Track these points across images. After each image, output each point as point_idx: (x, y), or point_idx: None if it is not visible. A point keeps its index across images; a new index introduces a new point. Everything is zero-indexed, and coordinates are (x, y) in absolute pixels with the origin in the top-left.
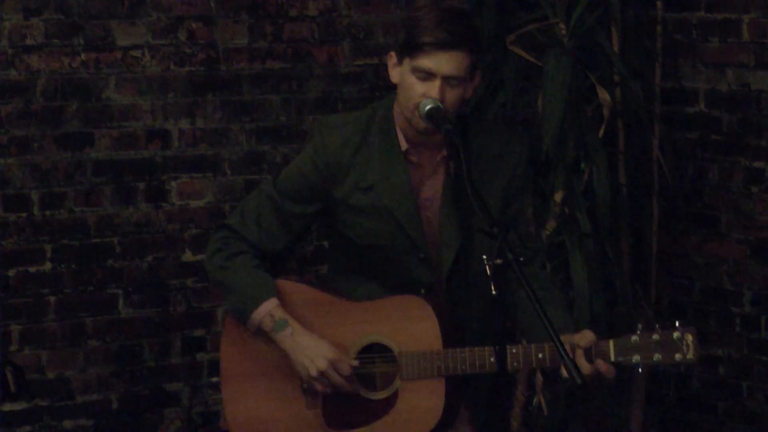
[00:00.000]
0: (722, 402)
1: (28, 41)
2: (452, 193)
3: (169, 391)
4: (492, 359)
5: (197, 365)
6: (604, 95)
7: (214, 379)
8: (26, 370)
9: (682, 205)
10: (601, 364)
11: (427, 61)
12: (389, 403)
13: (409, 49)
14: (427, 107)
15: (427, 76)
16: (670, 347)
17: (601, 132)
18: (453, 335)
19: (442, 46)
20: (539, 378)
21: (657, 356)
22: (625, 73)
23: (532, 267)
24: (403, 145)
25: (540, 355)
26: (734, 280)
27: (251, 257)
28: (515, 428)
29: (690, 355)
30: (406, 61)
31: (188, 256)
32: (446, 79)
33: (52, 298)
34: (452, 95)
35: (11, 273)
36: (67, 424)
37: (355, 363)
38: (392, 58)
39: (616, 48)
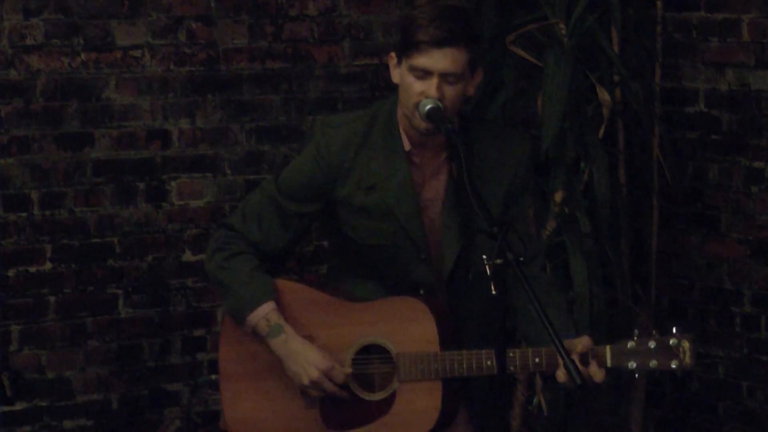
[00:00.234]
0: (722, 402)
1: (28, 41)
2: (454, 194)
3: (169, 391)
4: (489, 362)
5: (197, 365)
6: (604, 95)
7: (213, 377)
8: (26, 370)
9: (682, 205)
10: (593, 368)
11: (422, 59)
12: (387, 404)
13: (406, 48)
14: (427, 107)
15: (424, 74)
16: (666, 354)
17: (601, 132)
18: (451, 337)
19: (436, 43)
20: (539, 378)
21: (653, 362)
22: (625, 73)
23: (532, 269)
24: (406, 146)
25: (537, 359)
26: (734, 280)
27: (251, 257)
28: (515, 428)
29: (686, 362)
30: (404, 61)
31: (188, 256)
32: (443, 77)
33: (52, 298)
34: (451, 92)
35: (11, 273)
36: (67, 424)
37: (349, 371)
38: (393, 59)
39: (616, 48)
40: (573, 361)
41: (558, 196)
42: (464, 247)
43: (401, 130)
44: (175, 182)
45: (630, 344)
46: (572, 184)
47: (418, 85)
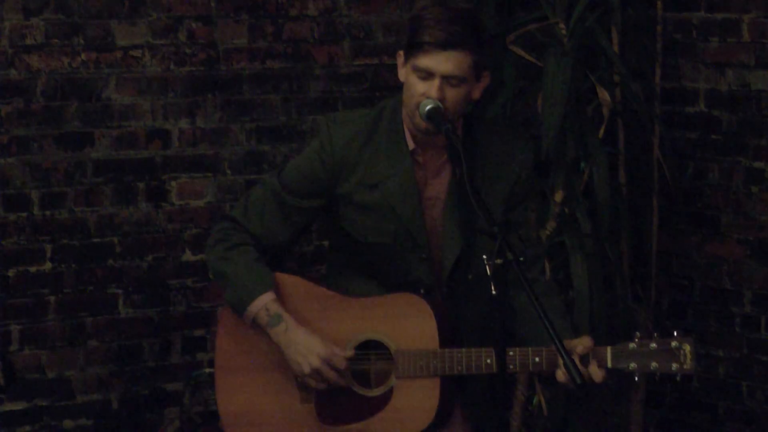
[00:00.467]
0: (722, 402)
1: (28, 41)
2: (456, 194)
3: (169, 390)
4: (489, 361)
5: (197, 365)
6: (604, 95)
7: (208, 370)
8: (26, 370)
9: (682, 205)
10: (593, 368)
11: (426, 60)
12: (383, 400)
13: (411, 48)
14: (428, 107)
15: (427, 75)
16: (667, 356)
17: (601, 132)
18: (451, 335)
19: (440, 45)
20: (538, 380)
21: (654, 365)
22: (625, 73)
23: (532, 272)
24: (410, 145)
25: (537, 359)
26: (734, 280)
27: (252, 249)
28: (515, 428)
29: (687, 366)
30: (409, 60)
31: (188, 255)
32: (446, 79)
33: (52, 298)
34: (453, 95)
35: (11, 273)
36: (67, 424)
37: (351, 354)
38: (400, 57)
39: (616, 48)
40: (573, 361)
41: (558, 196)
42: (465, 247)
43: (405, 129)
44: (176, 182)
45: (631, 346)
46: (572, 184)
47: (420, 86)
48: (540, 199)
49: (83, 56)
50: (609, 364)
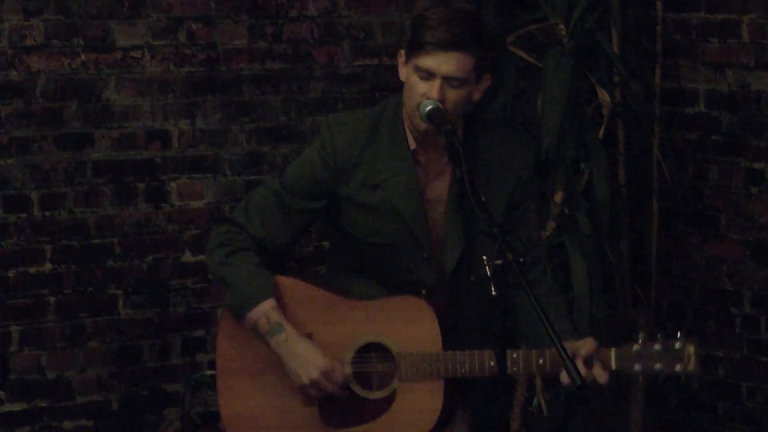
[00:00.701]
0: (722, 402)
1: (28, 42)
2: (458, 194)
3: (168, 391)
4: (492, 363)
5: (197, 366)
6: (603, 96)
7: (208, 372)
8: (26, 370)
9: (682, 205)
10: (597, 370)
11: (427, 61)
12: (386, 403)
13: (413, 47)
14: (428, 108)
15: (428, 75)
16: (671, 357)
17: (601, 132)
18: (453, 337)
19: (442, 46)
20: (539, 379)
21: (658, 366)
22: (625, 73)
23: (534, 273)
24: (412, 144)
25: (541, 361)
26: (734, 280)
27: (253, 254)
28: (515, 429)
29: (691, 367)
30: (411, 60)
31: (188, 256)
32: (447, 80)
33: (52, 299)
34: (453, 96)
35: (11, 273)
36: (67, 424)
37: (348, 371)
38: (402, 57)
39: (616, 48)
40: (573, 362)
41: (558, 197)
42: (467, 248)
43: (407, 129)
44: (175, 183)
45: (635, 347)
46: (572, 184)
47: (421, 86)
48: (540, 199)
49: (83, 57)
50: (613, 366)
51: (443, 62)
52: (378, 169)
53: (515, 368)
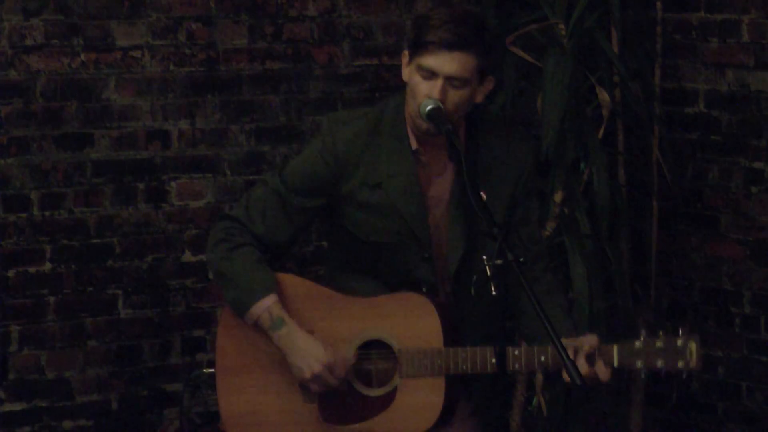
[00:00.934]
0: (722, 402)
1: (28, 41)
2: (459, 194)
3: (168, 391)
4: (493, 360)
5: (197, 365)
6: (603, 96)
7: (207, 371)
8: (26, 370)
9: (682, 205)
10: (600, 366)
11: (430, 60)
12: (387, 399)
13: (416, 47)
14: (428, 107)
15: (430, 75)
16: (673, 354)
17: (601, 132)
18: (454, 335)
19: (445, 45)
20: (539, 378)
21: (660, 362)
22: (625, 73)
23: (535, 271)
24: (413, 144)
25: (542, 358)
26: (734, 280)
27: (254, 250)
28: (514, 429)
29: (693, 363)
30: (414, 60)
31: (188, 256)
32: (449, 80)
33: (52, 299)
34: (455, 96)
35: (11, 273)
36: (67, 424)
37: (352, 360)
38: (405, 57)
39: (615, 48)
40: (573, 362)
41: (558, 197)
42: (468, 247)
43: (408, 128)
44: (175, 183)
45: (637, 344)
46: (572, 184)
47: (423, 86)
48: (540, 199)
49: (83, 57)
50: (615, 363)
51: (446, 62)
52: (379, 168)
53: (516, 365)
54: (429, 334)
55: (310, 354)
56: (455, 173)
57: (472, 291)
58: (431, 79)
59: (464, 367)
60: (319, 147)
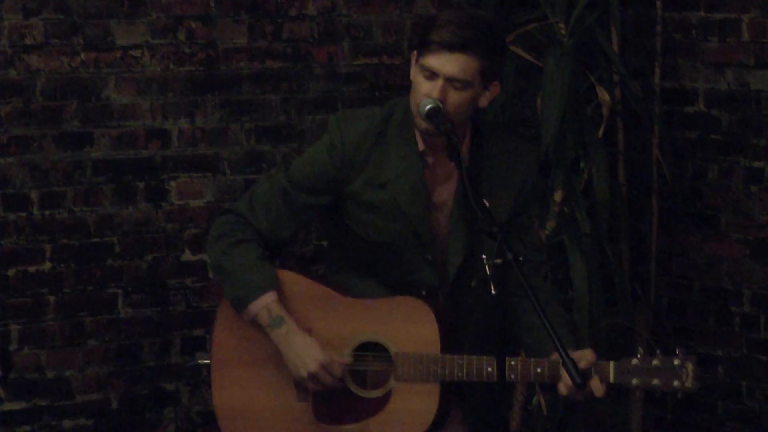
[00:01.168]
0: (721, 402)
1: (28, 41)
2: (464, 200)
3: (168, 390)
4: (489, 369)
5: (197, 365)
6: (603, 95)
7: (201, 361)
8: (25, 369)
9: (682, 204)
10: (595, 383)
11: (432, 60)
12: (381, 402)
13: (420, 46)
14: (427, 107)
15: (432, 75)
16: (669, 374)
17: (601, 131)
18: (452, 340)
19: (447, 46)
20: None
21: (656, 381)
22: (625, 72)
23: (535, 279)
24: (420, 146)
25: (539, 370)
26: (734, 279)
27: (255, 246)
28: (514, 428)
29: (689, 384)
30: (419, 59)
31: (188, 255)
32: (449, 81)
33: (52, 298)
34: (455, 98)
35: (11, 273)
36: (67, 423)
37: (348, 361)
38: (414, 56)
39: (615, 48)
40: (573, 362)
41: (558, 196)
42: (469, 252)
43: (416, 129)
44: (175, 182)
45: (634, 362)
46: (572, 183)
47: (425, 85)
48: (540, 198)
49: (82, 56)
50: (611, 379)
51: (446, 62)
52: (385, 169)
53: (512, 375)
54: (426, 339)
55: (307, 353)
56: (460, 179)
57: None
58: (432, 79)
59: (460, 374)
60: (326, 145)
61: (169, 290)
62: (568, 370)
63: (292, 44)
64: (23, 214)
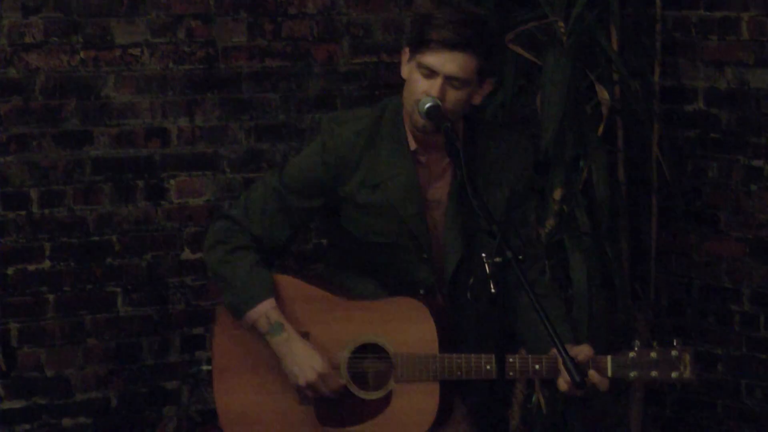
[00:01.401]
0: (721, 400)
1: (27, 39)
2: (459, 197)
3: (167, 389)
4: (489, 367)
5: (196, 363)
6: (603, 93)
7: (205, 368)
8: (25, 368)
9: (681, 203)
10: (594, 375)
11: (431, 58)
12: (382, 403)
13: (417, 45)
14: (427, 105)
15: (430, 73)
16: (667, 365)
17: (600, 130)
18: (450, 339)
19: (447, 45)
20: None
21: (654, 373)
22: (624, 71)
23: (533, 274)
24: (412, 145)
25: (537, 366)
26: (733, 278)
27: (252, 252)
28: (514, 427)
29: (687, 374)
30: (414, 57)
31: (187, 254)
32: (448, 79)
33: (51, 296)
34: (453, 96)
35: (10, 271)
36: (66, 422)
37: (344, 383)
38: (405, 54)
39: (615, 46)
40: (573, 361)
41: (557, 195)
42: (467, 249)
43: (407, 129)
44: (174, 180)
45: (631, 355)
46: (571, 182)
47: (422, 84)
48: (539, 197)
49: (82, 54)
50: (609, 374)
51: (447, 61)
52: (378, 169)
53: (511, 372)
54: (424, 339)
55: (305, 362)
56: (454, 175)
57: (469, 295)
58: (431, 77)
59: (459, 373)
60: (318, 148)
61: (168, 289)
62: (567, 369)
63: (291, 43)
64: (23, 213)
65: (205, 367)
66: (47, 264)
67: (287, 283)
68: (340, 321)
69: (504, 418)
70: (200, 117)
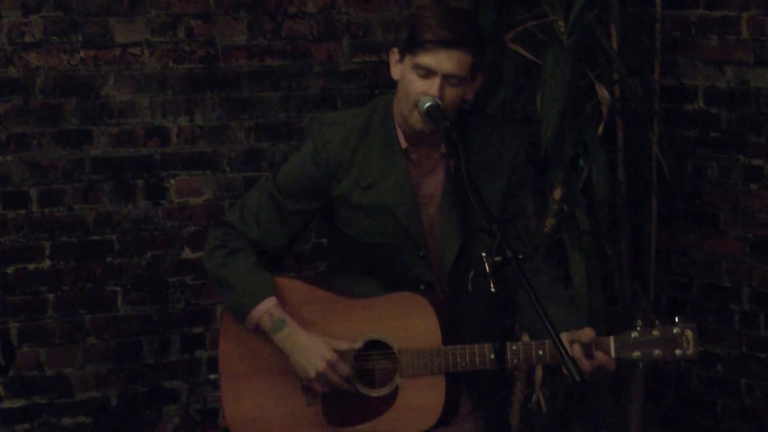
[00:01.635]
0: (721, 399)
1: (27, 38)
2: (452, 190)
3: (167, 388)
4: (492, 356)
5: (196, 363)
6: (603, 93)
7: (212, 376)
8: (25, 367)
9: (681, 202)
10: (601, 356)
11: (428, 59)
12: (389, 400)
13: (412, 45)
14: (427, 105)
15: (428, 73)
16: (670, 343)
17: (600, 129)
18: (453, 332)
19: (443, 44)
20: (538, 375)
21: (657, 352)
22: (624, 70)
23: (535, 262)
24: (403, 143)
25: (540, 352)
26: (733, 277)
27: (251, 254)
28: (514, 426)
29: (690, 351)
30: (408, 58)
31: (187, 253)
32: (446, 78)
33: (51, 296)
34: (452, 94)
35: (10, 270)
36: (66, 421)
37: (359, 345)
38: (394, 55)
39: (615, 45)
40: (573, 360)
41: (557, 194)
42: (464, 243)
43: (397, 127)
44: (174, 180)
45: (633, 334)
46: (571, 181)
47: (419, 84)
48: (539, 196)
49: (82, 54)
50: (612, 354)
51: (444, 60)
52: (370, 169)
53: (515, 360)
54: (427, 333)
55: (313, 352)
56: (447, 169)
57: (470, 288)
58: (428, 77)
59: (463, 364)
60: (310, 150)
61: (168, 288)
62: (567, 368)
63: (291, 42)
64: (22, 212)
65: (212, 376)
66: (47, 263)
67: (288, 285)
68: (343, 320)
69: (504, 416)
70: (200, 116)
